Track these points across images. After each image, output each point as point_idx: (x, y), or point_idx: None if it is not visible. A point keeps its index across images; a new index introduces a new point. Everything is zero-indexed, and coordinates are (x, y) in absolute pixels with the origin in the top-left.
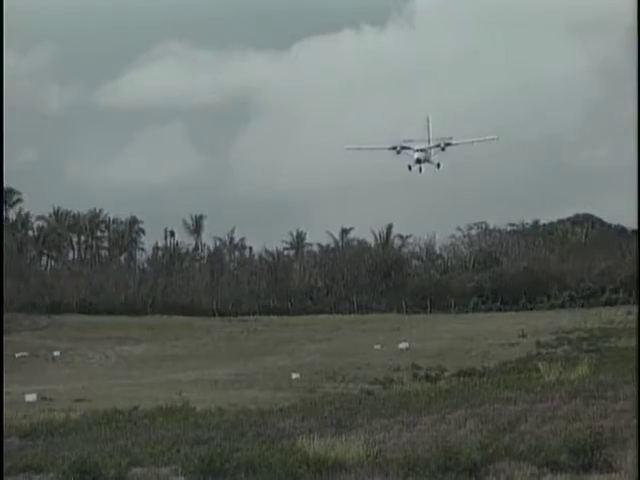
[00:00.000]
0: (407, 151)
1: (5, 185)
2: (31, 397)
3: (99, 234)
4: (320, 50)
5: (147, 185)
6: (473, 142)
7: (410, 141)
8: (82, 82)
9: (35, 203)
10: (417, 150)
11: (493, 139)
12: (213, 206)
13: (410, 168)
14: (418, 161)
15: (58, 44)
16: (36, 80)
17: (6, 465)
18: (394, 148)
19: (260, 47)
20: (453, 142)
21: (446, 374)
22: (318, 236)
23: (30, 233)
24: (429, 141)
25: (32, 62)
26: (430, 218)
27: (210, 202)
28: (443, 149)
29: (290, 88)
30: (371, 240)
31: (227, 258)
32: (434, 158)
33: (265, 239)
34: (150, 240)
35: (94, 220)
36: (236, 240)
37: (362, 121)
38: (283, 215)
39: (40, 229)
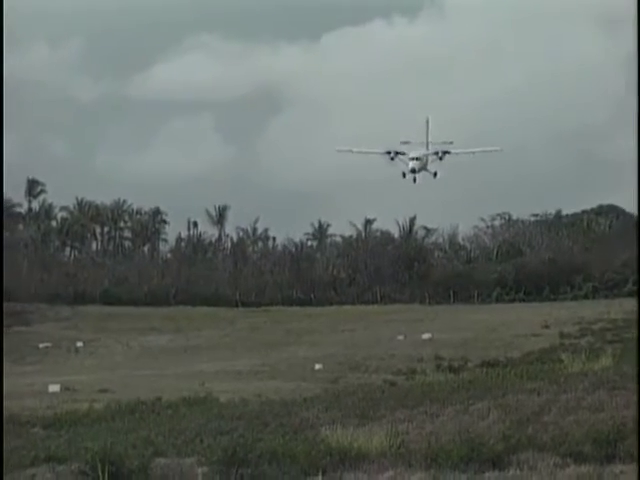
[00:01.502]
0: (402, 157)
1: (30, 176)
2: (54, 388)
3: (122, 225)
4: (350, 41)
5: (173, 176)
6: (474, 152)
7: (407, 143)
8: (113, 74)
9: (61, 194)
10: (412, 159)
11: (496, 150)
12: (238, 197)
13: (404, 176)
14: (413, 171)
15: (90, 37)
16: (68, 72)
17: (30, 455)
18: (388, 153)
19: (291, 39)
20: (453, 151)
21: (469, 365)
22: (342, 227)
23: (54, 224)
24: (427, 145)
25: (64, 55)
26: (453, 209)
27: (235, 193)
28: (441, 158)
29: (319, 79)
30: (395, 231)
31: (250, 249)
32: (431, 166)
33: (288, 230)
34: (173, 231)
35: (117, 211)
36: (259, 231)
37: (391, 113)
38: (307, 206)
39: (64, 220)
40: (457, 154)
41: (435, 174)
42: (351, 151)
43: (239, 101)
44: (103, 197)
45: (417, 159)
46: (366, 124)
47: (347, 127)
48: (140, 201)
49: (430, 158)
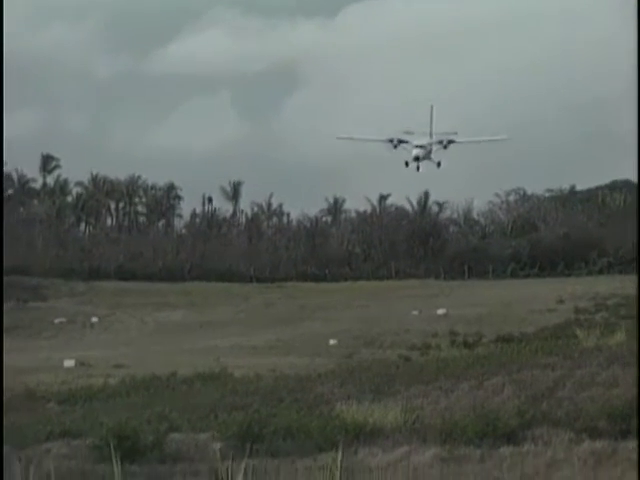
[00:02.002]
0: (405, 145)
1: (45, 152)
2: (69, 363)
3: (137, 200)
4: (368, 17)
5: (188, 152)
6: (480, 141)
7: (410, 133)
8: (131, 51)
9: (77, 169)
10: (416, 146)
11: (503, 139)
12: (253, 173)
13: (407, 164)
14: (416, 158)
15: (109, 13)
16: (87, 49)
17: (45, 430)
18: (390, 141)
19: (308, 15)
20: (457, 140)
21: (484, 340)
22: (356, 203)
23: (69, 199)
24: (431, 135)
25: (83, 31)
26: (468, 184)
27: (250, 169)
28: (445, 147)
29: (337, 56)
30: (409, 206)
31: (265, 224)
32: (435, 155)
33: (303, 206)
34: (188, 207)
35: (132, 186)
36: (274, 206)
37: (409, 88)
38: (322, 182)
39: (79, 195)
40: (462, 143)
41: (439, 164)
42: (352, 139)
43: (256, 77)
44: (119, 173)
45: (421, 147)
46: (382, 100)
47: (363, 104)
48: (155, 177)
49: (434, 147)
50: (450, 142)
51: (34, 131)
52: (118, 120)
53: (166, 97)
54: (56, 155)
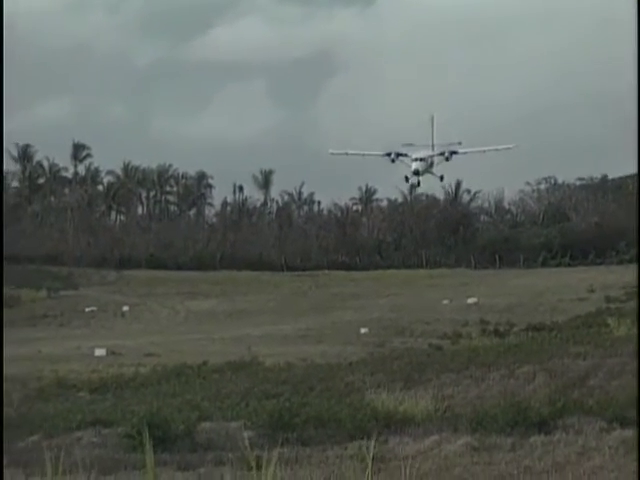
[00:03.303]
0: (404, 159)
1: (76, 140)
2: (100, 352)
3: (168, 189)
4: (404, 4)
5: (222, 141)
6: (485, 151)
7: (410, 145)
8: (169, 38)
9: (111, 158)
10: (415, 159)
11: (509, 148)
12: (285, 162)
13: (407, 180)
14: (416, 173)
15: (148, 1)
16: (125, 37)
17: (76, 418)
18: (388, 155)
19: (346, 2)
20: (461, 151)
21: (515, 329)
22: (387, 191)
23: (100, 188)
24: (433, 147)
25: (122, 19)
26: (499, 173)
27: (282, 158)
28: (447, 159)
29: (373, 43)
30: (440, 195)
31: (296, 213)
32: (437, 169)
33: (335, 194)
34: (220, 196)
35: (163, 175)
36: (305, 195)
37: (445, 76)
38: (354, 170)
39: (110, 184)
40: (466, 154)
41: (442, 178)
42: (346, 154)
43: (293, 65)
44: (154, 161)
45: (421, 160)
46: (417, 87)
47: (399, 91)
48: (189, 166)
49: (436, 159)
50: (453, 153)
51: (67, 119)
52: (153, 108)
53: (202, 85)
54: (88, 144)
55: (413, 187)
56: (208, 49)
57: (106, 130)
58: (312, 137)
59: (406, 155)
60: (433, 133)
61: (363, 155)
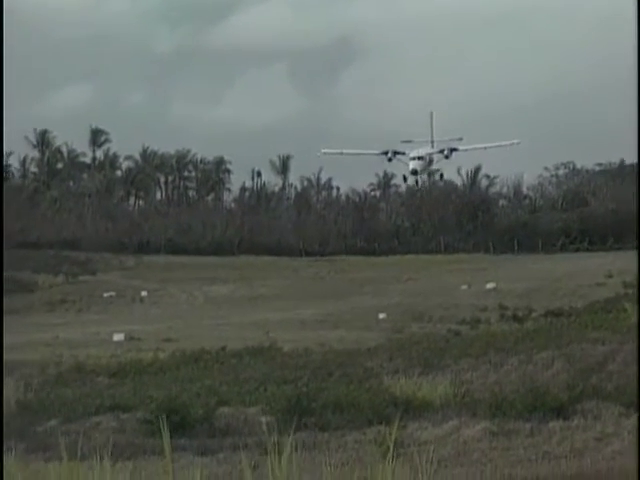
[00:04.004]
0: (401, 157)
1: (94, 125)
2: (119, 337)
3: (187, 174)
4: None
5: (242, 126)
6: (485, 147)
7: (409, 141)
8: (191, 25)
9: (130, 143)
10: (413, 158)
11: (513, 143)
12: (304, 147)
13: (405, 179)
14: (414, 172)
15: None
16: (147, 24)
17: (95, 403)
18: (385, 153)
19: None
20: (461, 148)
21: (533, 314)
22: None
23: (118, 173)
24: (432, 144)
25: (144, 6)
26: (518, 158)
27: (301, 143)
28: (447, 156)
29: (394, 30)
30: (458, 180)
31: (314, 198)
32: (437, 166)
33: (353, 180)
34: (238, 181)
35: (182, 160)
36: (323, 180)
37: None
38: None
39: (128, 170)
40: (466, 151)
41: (442, 176)
42: (341, 153)
43: (313, 51)
44: (173, 147)
45: (419, 158)
46: (437, 74)
47: (419, 77)
48: (208, 151)
49: (435, 157)
50: (453, 150)
51: (87, 106)
52: (174, 95)
53: (222, 71)
54: (107, 130)
55: (412, 186)
56: (229, 35)
57: (126, 116)
58: (331, 122)
59: (403, 154)
60: (432, 130)
61: (358, 154)
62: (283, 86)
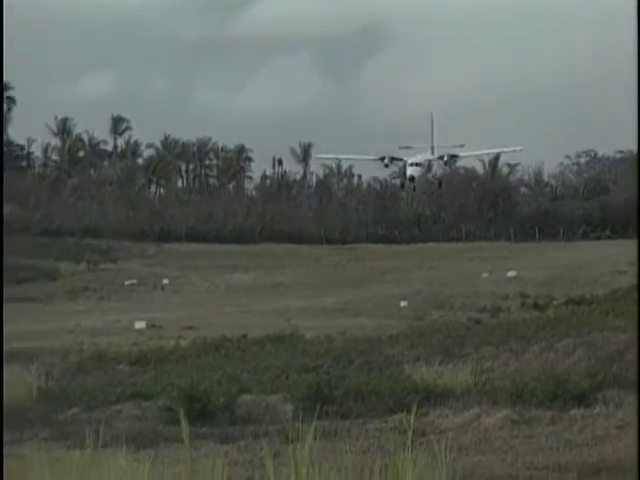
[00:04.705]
0: (398, 163)
1: (116, 113)
2: (140, 324)
3: (208, 162)
4: None
5: (265, 114)
6: (489, 154)
7: (408, 147)
8: (216, 12)
9: (152, 131)
10: (411, 164)
11: (515, 150)
12: (327, 135)
13: (402, 186)
14: (411, 179)
15: None
16: (171, 11)
17: (116, 392)
18: (382, 159)
19: None
20: (462, 154)
21: (554, 302)
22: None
23: (139, 161)
24: (433, 150)
25: None
26: (538, 146)
27: (324, 131)
28: (446, 163)
29: (420, 18)
30: (479, 168)
31: (335, 186)
32: (436, 171)
33: (374, 167)
34: (259, 169)
35: (203, 148)
36: (344, 168)
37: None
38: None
39: (150, 158)
40: (467, 157)
41: (440, 184)
42: (336, 158)
43: (339, 39)
44: (195, 135)
45: (417, 165)
46: (464, 63)
47: (445, 66)
48: (230, 139)
49: (435, 164)
50: (453, 157)
51: (111, 94)
52: (197, 83)
53: (247, 59)
54: (130, 117)
55: (409, 193)
56: (254, 23)
57: (148, 104)
58: (355, 110)
59: (401, 160)
60: (433, 134)
61: (354, 159)
62: (307, 74)
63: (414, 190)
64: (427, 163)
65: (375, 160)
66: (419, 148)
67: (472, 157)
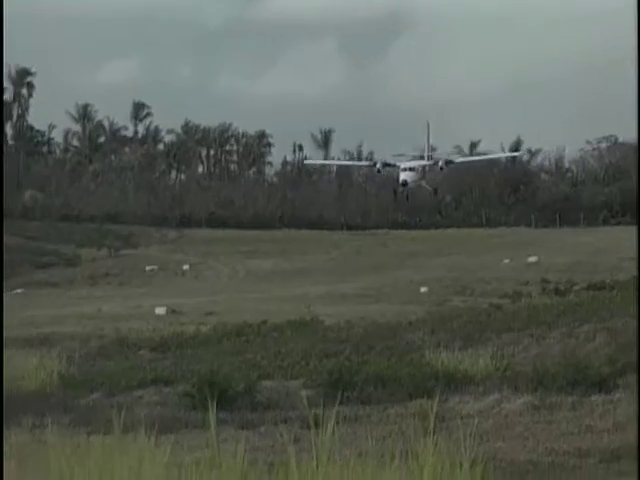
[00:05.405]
0: (390, 170)
1: (137, 99)
2: (161, 310)
3: (228, 148)
4: None
5: (286, 99)
6: (488, 158)
7: (401, 155)
8: None
9: (173, 117)
10: (404, 169)
11: (514, 155)
12: (348, 120)
13: (395, 193)
14: (404, 184)
15: None
16: None
17: (137, 377)
18: (374, 165)
19: None
20: (457, 160)
21: (575, 288)
22: (448, 150)
23: (160, 147)
24: (428, 157)
25: None
26: (559, 131)
27: (346, 116)
28: (442, 168)
29: (443, 3)
30: (500, 154)
31: (356, 172)
32: (430, 179)
33: (395, 153)
34: (280, 154)
35: (223, 134)
36: (364, 154)
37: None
38: (415, 129)
39: (170, 143)
40: (463, 163)
41: (435, 191)
42: (324, 164)
43: (362, 25)
44: (216, 121)
45: (410, 170)
46: (488, 48)
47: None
48: (250, 125)
49: (429, 169)
50: (449, 162)
51: (133, 80)
52: (220, 69)
53: (270, 45)
54: (151, 104)
55: (402, 199)
56: (277, 9)
57: (169, 90)
58: (377, 96)
59: (394, 165)
60: (428, 140)
61: (345, 165)
62: (330, 59)
63: (407, 198)
64: (421, 169)
65: (367, 167)
66: (412, 156)
67: (493, 144)
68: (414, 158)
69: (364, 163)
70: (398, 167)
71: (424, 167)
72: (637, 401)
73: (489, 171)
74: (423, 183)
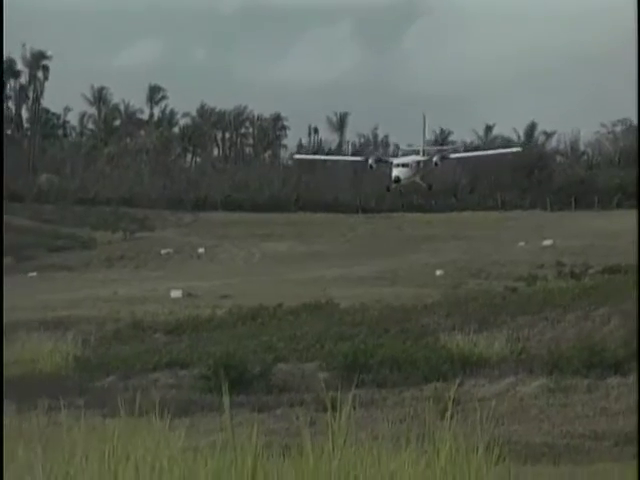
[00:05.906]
0: (383, 165)
1: (152, 83)
2: (176, 293)
3: (244, 131)
4: None
5: (303, 83)
6: (486, 154)
7: (394, 157)
8: None
9: (189, 100)
10: (397, 165)
11: (512, 151)
12: (364, 104)
13: (388, 190)
14: (397, 180)
15: None
16: None
17: (153, 360)
18: (366, 161)
19: None
20: (452, 156)
21: (591, 271)
22: (463, 134)
23: (175, 130)
24: (423, 153)
25: None
26: (574, 114)
27: (361, 100)
28: (437, 164)
29: None
30: (515, 137)
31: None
32: (426, 173)
33: (410, 136)
34: (295, 137)
35: (239, 117)
36: (380, 137)
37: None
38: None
39: (186, 127)
40: (459, 159)
41: (430, 187)
42: (313, 158)
43: (378, 9)
44: (231, 104)
45: (404, 165)
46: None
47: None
48: (266, 108)
49: (423, 165)
50: (444, 158)
51: (147, 63)
52: (235, 53)
53: (287, 29)
54: (166, 87)
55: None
56: None
57: (186, 74)
58: (393, 80)
59: (386, 161)
60: (424, 134)
61: (336, 160)
62: (346, 43)
63: (401, 194)
64: (415, 164)
65: (361, 161)
66: (407, 152)
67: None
68: (408, 153)
69: (357, 158)
70: (391, 163)
71: (418, 162)
72: (637, 400)
73: (504, 154)
74: (417, 179)
